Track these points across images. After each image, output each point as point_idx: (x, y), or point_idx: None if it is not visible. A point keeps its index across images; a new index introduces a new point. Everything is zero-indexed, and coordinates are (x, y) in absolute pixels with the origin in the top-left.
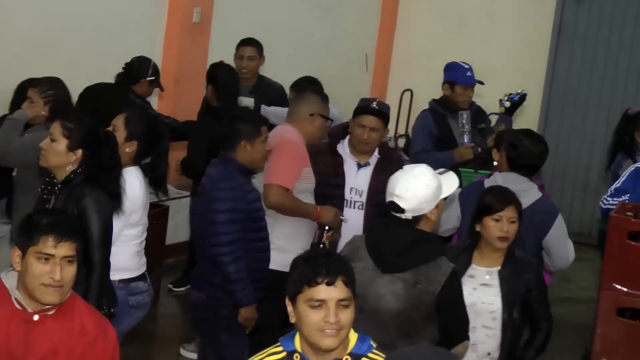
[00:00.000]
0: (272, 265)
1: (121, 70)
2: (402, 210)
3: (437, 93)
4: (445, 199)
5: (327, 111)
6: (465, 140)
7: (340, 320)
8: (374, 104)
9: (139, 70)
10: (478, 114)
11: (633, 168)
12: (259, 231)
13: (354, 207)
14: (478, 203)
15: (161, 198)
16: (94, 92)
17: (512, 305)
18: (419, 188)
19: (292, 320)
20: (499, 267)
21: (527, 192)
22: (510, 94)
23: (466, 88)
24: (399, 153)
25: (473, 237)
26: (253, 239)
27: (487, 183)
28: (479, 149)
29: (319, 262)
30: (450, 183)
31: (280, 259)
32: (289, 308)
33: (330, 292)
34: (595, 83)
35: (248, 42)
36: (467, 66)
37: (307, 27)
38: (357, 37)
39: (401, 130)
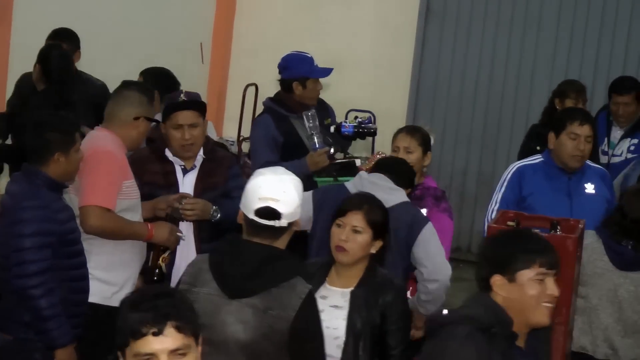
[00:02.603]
0: (92, 298)
1: None
2: (279, 216)
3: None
4: None
5: (152, 113)
6: (317, 145)
7: None
8: (182, 96)
9: None
10: (321, 108)
11: (514, 169)
12: (75, 257)
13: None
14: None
15: None
16: None
17: (358, 334)
18: (293, 189)
19: None
20: (352, 288)
21: (395, 191)
22: (361, 121)
23: (317, 82)
24: (243, 159)
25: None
26: (67, 266)
27: (350, 184)
28: (332, 150)
29: (144, 307)
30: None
31: (101, 290)
32: None
33: (160, 343)
34: (471, 73)
35: (58, 36)
36: (310, 55)
37: (131, 12)
38: (190, 24)
39: (246, 132)
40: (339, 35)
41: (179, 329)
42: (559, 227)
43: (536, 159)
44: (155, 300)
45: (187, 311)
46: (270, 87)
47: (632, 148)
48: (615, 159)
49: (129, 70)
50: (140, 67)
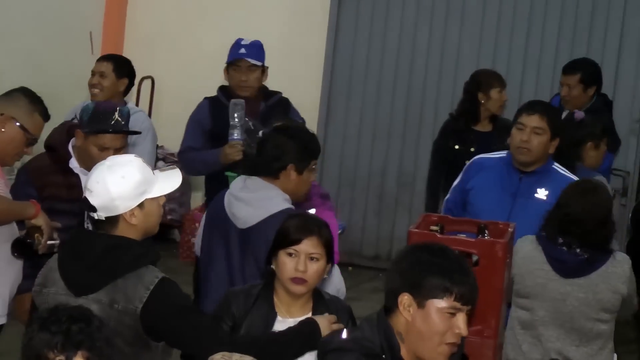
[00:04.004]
0: None
1: None
2: (94, 208)
3: (185, 79)
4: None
5: (28, 121)
6: (235, 136)
7: None
8: (117, 115)
9: None
10: (280, 107)
11: (474, 158)
12: None
13: None
14: (277, 231)
15: None
16: None
17: None
18: (111, 180)
19: None
20: (309, 314)
21: (266, 201)
22: None
23: (239, 69)
24: None
25: (266, 276)
26: None
27: (227, 197)
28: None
29: (55, 329)
30: (169, 182)
31: None
32: None
33: None
34: (389, 63)
35: None
36: (245, 42)
37: None
38: (78, 10)
39: None
40: (245, 23)
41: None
42: (487, 232)
43: (499, 154)
44: (70, 324)
45: (102, 342)
46: (167, 79)
47: None
48: None
49: (9, 63)
50: (21, 60)
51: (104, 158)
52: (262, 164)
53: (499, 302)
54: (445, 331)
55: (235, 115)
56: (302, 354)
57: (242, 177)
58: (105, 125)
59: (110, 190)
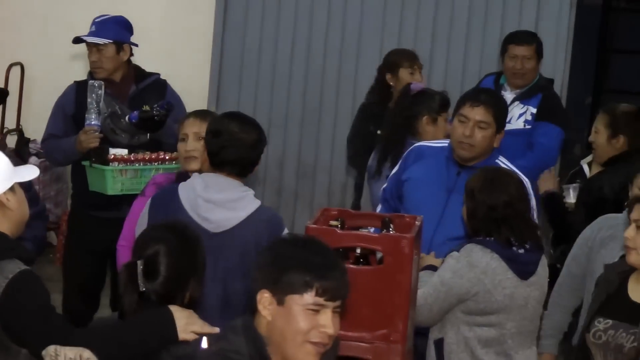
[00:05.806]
0: None
1: None
2: None
3: (58, 65)
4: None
5: None
6: (92, 122)
7: None
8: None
9: None
10: (154, 89)
11: (413, 146)
12: None
13: None
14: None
15: None
16: None
17: None
18: None
19: None
20: None
21: (240, 201)
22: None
23: (90, 49)
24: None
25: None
26: None
27: (182, 189)
28: (122, 135)
29: None
30: (29, 170)
31: None
32: None
33: None
34: (285, 43)
35: None
36: (99, 19)
37: None
38: None
39: (10, 123)
40: (123, 1)
41: None
42: (391, 226)
43: (442, 142)
44: None
45: None
46: (38, 65)
47: (529, 118)
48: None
49: None
50: None
51: None
52: (241, 161)
53: (407, 303)
54: (309, 330)
55: (92, 98)
56: (155, 345)
57: (197, 175)
58: None
59: None
